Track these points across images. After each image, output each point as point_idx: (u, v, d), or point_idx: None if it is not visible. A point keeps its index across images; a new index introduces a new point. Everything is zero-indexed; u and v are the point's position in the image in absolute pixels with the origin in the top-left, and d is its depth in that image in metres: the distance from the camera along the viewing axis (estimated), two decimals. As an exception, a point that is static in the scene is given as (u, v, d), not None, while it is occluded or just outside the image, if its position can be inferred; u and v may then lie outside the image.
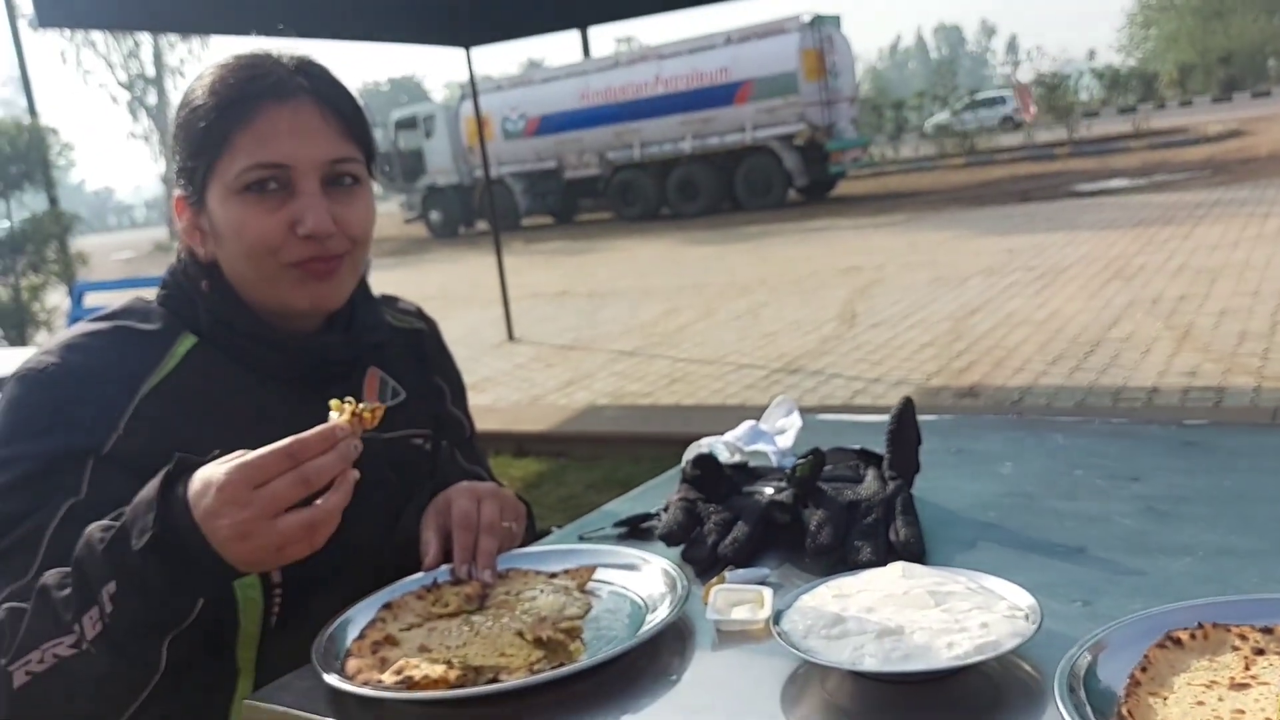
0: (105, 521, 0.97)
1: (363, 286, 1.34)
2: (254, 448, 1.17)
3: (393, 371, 1.35)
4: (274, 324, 1.22)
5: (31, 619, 0.98)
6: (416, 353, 1.41)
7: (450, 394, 1.45)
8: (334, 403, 0.99)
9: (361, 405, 0.98)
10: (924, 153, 31.16)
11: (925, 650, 0.82)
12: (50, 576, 0.98)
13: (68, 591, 0.96)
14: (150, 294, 1.28)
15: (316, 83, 1.19)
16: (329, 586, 1.17)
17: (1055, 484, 1.26)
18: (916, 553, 1.06)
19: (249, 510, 0.91)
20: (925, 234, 13.20)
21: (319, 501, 0.93)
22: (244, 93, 1.15)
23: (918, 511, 1.14)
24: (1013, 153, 26.39)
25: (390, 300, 1.45)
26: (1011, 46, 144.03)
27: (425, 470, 1.35)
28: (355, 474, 0.96)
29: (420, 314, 1.48)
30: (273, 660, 1.15)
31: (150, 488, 0.95)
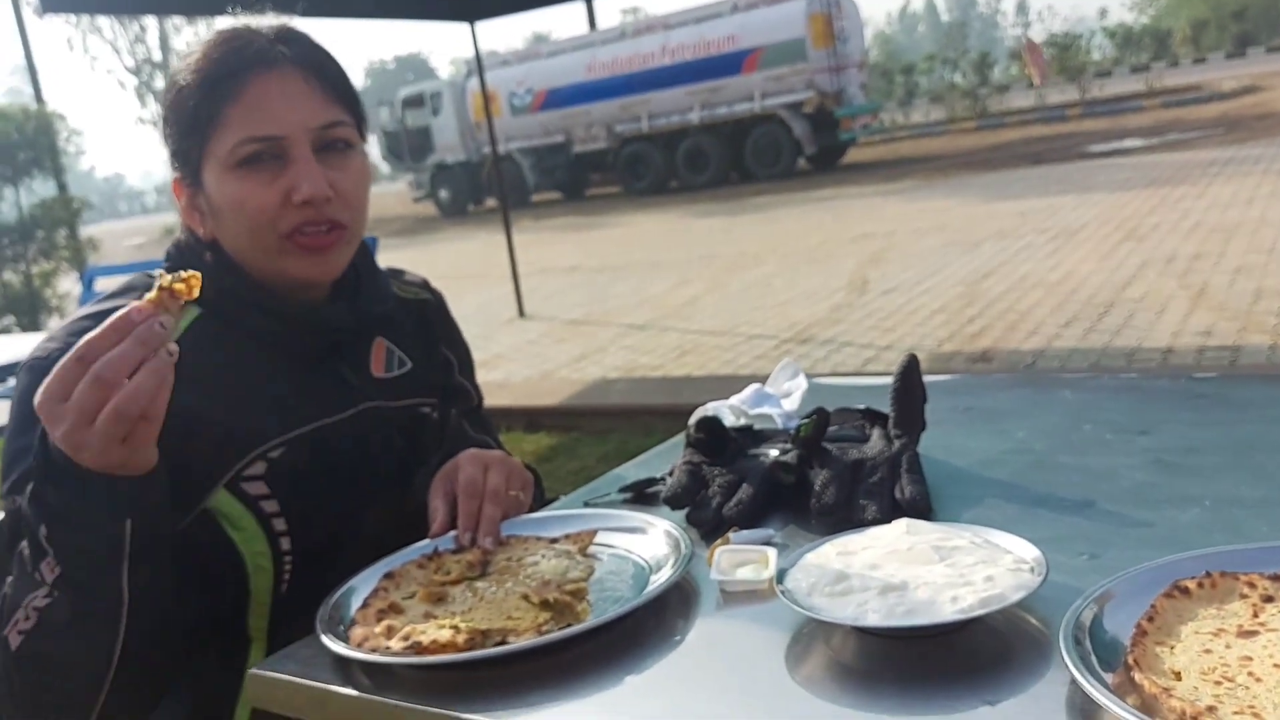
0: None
1: (368, 259, 1.33)
2: (260, 417, 1.18)
3: (399, 342, 1.34)
4: (279, 295, 1.22)
5: (14, 582, 1.00)
6: (423, 323, 1.41)
7: (458, 364, 1.45)
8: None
9: (170, 277, 0.93)
10: (935, 117, 30.91)
11: (929, 605, 0.81)
12: (22, 542, 1.00)
13: (29, 548, 0.98)
14: (156, 272, 1.27)
15: (298, 49, 1.18)
16: (339, 554, 1.18)
17: (1063, 439, 1.25)
18: (922, 510, 1.05)
19: (66, 424, 0.90)
20: (936, 199, 13.11)
21: (126, 386, 0.89)
22: (229, 68, 1.14)
23: (923, 469, 1.13)
24: (1024, 115, 26.18)
25: (397, 273, 1.45)
26: (1022, 7, 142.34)
27: (434, 438, 1.35)
28: (171, 351, 0.92)
29: (426, 285, 1.48)
30: (285, 629, 1.16)
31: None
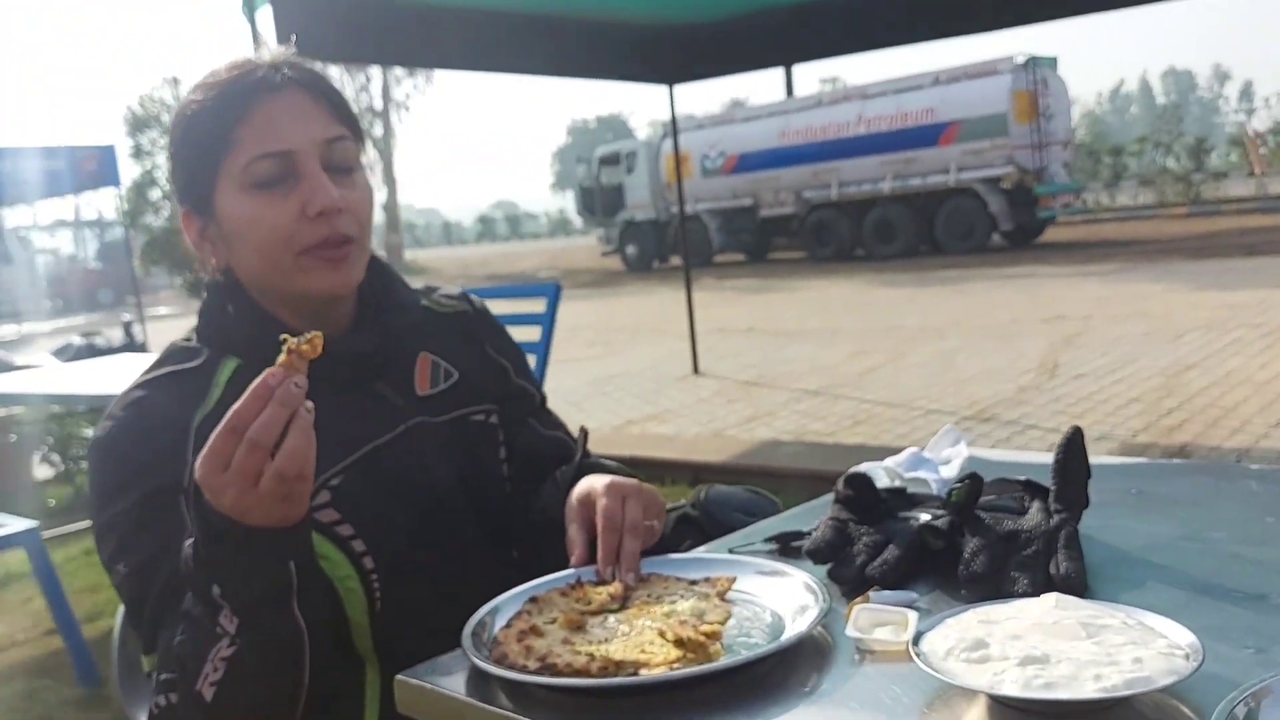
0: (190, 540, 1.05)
1: (383, 276, 1.36)
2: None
3: (443, 354, 1.38)
4: (304, 330, 1.27)
5: (192, 640, 1.06)
6: (465, 333, 1.45)
7: (513, 367, 1.48)
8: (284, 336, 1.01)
9: (295, 340, 0.99)
10: (1143, 200, 29.54)
11: (1070, 680, 0.78)
12: (187, 600, 1.07)
13: (199, 606, 1.05)
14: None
15: (301, 72, 1.24)
16: (421, 568, 1.24)
17: (1243, 530, 1.17)
18: (1077, 588, 1.00)
19: (231, 491, 0.96)
20: (1139, 284, 12.49)
21: (281, 448, 0.96)
22: (238, 90, 1.20)
23: (1082, 547, 1.08)
24: (1241, 204, 24.68)
25: (430, 289, 1.49)
26: (1246, 93, 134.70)
27: (493, 443, 1.39)
28: (309, 408, 0.98)
29: (465, 298, 1.51)
30: (391, 645, 1.22)
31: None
